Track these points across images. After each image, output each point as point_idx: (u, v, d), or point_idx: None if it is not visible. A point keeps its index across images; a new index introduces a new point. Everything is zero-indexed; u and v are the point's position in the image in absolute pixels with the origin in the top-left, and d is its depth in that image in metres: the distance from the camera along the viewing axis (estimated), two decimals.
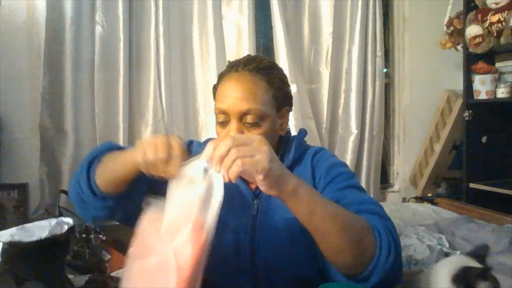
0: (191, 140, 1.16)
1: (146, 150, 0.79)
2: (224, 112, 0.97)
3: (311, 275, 0.95)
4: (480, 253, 0.95)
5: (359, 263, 0.81)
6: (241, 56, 1.07)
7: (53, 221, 0.90)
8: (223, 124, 0.99)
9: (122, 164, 0.89)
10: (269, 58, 1.09)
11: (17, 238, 0.86)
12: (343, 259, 0.81)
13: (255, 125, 0.96)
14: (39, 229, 0.88)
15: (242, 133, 0.96)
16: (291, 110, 1.08)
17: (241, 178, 1.01)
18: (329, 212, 0.80)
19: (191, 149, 1.11)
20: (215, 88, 1.04)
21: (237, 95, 0.96)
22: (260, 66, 1.00)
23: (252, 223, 0.98)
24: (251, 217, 0.99)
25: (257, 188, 1.00)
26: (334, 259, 0.83)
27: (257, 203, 1.00)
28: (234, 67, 1.01)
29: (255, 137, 0.77)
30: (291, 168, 1.03)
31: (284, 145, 1.07)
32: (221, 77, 1.03)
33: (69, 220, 0.92)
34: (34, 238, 0.86)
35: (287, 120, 1.06)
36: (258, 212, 0.99)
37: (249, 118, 0.96)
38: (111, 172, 0.91)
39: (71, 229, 0.91)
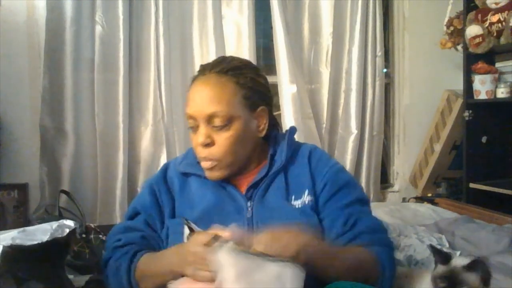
0: (167, 163, 1.15)
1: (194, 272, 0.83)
2: (191, 117, 0.97)
3: (309, 276, 0.96)
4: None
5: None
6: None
7: (55, 224, 0.90)
8: (193, 129, 0.98)
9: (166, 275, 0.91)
10: (242, 59, 1.06)
11: (18, 241, 0.86)
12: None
13: (223, 128, 0.95)
14: (41, 232, 0.88)
15: (211, 137, 0.96)
16: (269, 109, 1.05)
17: (231, 183, 1.02)
18: (344, 265, 0.87)
19: (167, 175, 1.09)
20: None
21: (202, 98, 0.95)
22: (229, 67, 0.98)
23: (248, 225, 0.98)
24: (246, 220, 0.99)
25: (248, 190, 1.01)
26: None
27: (250, 205, 1.00)
28: (202, 70, 1.00)
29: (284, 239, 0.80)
30: (284, 169, 1.02)
31: (273, 145, 1.05)
32: (191, 80, 1.02)
33: (70, 223, 0.91)
34: (35, 242, 0.86)
35: (266, 120, 1.03)
36: (253, 215, 0.99)
37: (216, 121, 0.94)
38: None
39: (72, 231, 0.91)
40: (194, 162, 1.05)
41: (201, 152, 0.98)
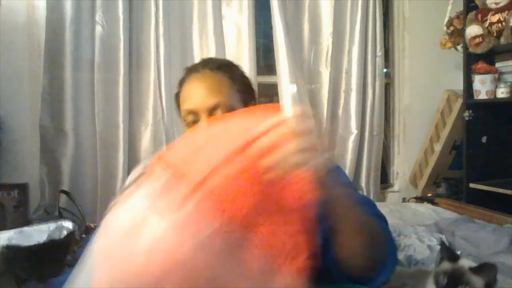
0: None
1: None
2: (192, 112, 0.95)
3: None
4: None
5: (370, 266, 0.82)
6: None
7: (53, 225, 0.89)
8: (193, 124, 0.96)
9: None
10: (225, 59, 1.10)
11: (14, 242, 0.85)
12: (356, 263, 0.81)
13: None
14: (38, 233, 0.87)
15: None
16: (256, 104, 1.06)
17: None
18: (358, 214, 0.78)
19: None
20: (177, 95, 1.03)
21: (203, 92, 0.95)
22: (219, 64, 1.01)
23: None
24: None
25: None
26: (347, 261, 0.81)
27: None
28: (193, 69, 1.01)
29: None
30: None
31: None
32: (182, 82, 1.02)
33: (68, 224, 0.91)
34: (32, 243, 0.85)
35: None
36: None
37: (218, 113, 0.94)
38: None
39: (70, 233, 0.91)
40: None
41: None
